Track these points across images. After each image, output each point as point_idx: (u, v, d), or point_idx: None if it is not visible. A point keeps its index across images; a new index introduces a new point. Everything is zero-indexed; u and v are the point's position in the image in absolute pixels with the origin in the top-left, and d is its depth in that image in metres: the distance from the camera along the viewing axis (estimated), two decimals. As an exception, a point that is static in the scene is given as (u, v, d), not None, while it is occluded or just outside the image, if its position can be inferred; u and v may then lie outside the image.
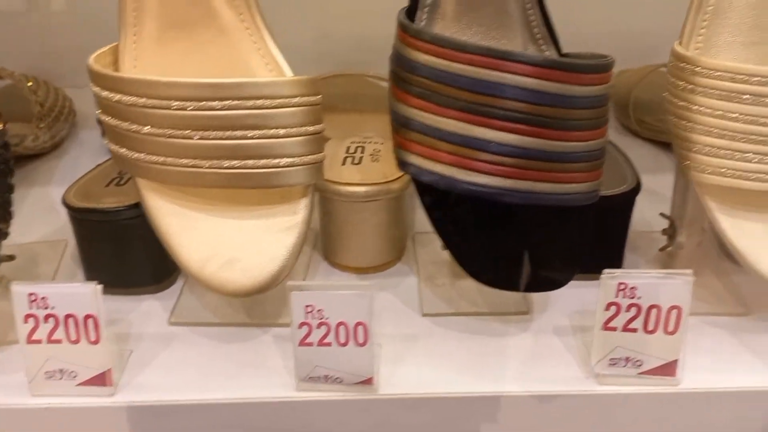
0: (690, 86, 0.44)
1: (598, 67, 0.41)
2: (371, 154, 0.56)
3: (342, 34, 0.82)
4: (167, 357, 0.48)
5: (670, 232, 0.53)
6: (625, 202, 0.52)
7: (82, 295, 0.42)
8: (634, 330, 0.44)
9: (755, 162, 0.43)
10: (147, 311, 0.52)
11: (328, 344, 0.42)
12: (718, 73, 0.43)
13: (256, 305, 0.51)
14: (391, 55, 0.44)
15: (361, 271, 0.55)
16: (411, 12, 0.44)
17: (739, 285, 0.53)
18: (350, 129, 0.62)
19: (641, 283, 0.43)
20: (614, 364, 0.45)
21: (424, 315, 0.51)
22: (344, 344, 0.42)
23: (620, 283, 0.43)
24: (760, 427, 0.47)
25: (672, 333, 0.44)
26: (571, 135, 0.41)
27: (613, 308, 0.44)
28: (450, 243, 0.45)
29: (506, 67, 0.39)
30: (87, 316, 0.42)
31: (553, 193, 0.42)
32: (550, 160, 0.42)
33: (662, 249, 0.53)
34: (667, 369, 0.45)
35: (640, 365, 0.45)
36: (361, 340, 0.42)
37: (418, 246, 0.57)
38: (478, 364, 0.47)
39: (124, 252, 0.52)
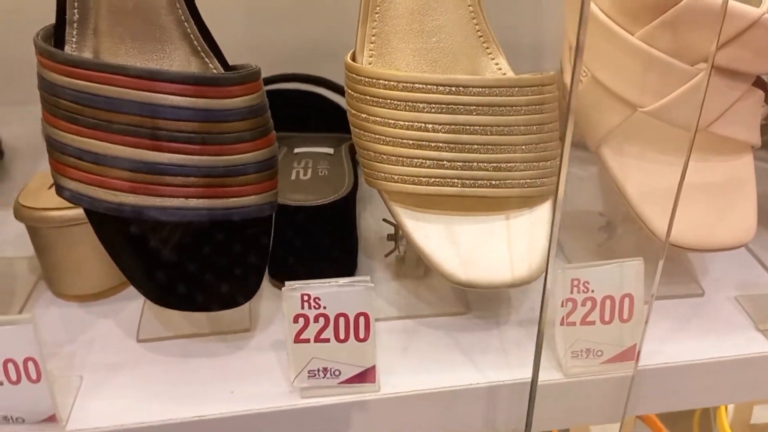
0: (356, 95, 0.44)
1: (242, 77, 0.40)
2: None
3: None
4: None
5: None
6: (341, 208, 0.52)
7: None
8: (327, 340, 0.44)
9: (427, 167, 0.44)
10: None
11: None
12: (378, 81, 0.43)
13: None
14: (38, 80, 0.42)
15: (83, 299, 0.53)
16: (60, 27, 0.42)
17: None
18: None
19: (324, 293, 0.43)
20: (313, 377, 0.45)
21: (140, 341, 0.49)
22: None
23: (303, 294, 0.43)
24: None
25: (363, 340, 0.44)
26: (233, 148, 0.40)
27: (302, 320, 0.43)
28: (123, 267, 0.43)
29: (143, 85, 0.38)
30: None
31: (225, 208, 0.42)
32: (212, 175, 0.41)
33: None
34: (365, 376, 0.45)
35: (338, 375, 0.45)
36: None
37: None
38: (184, 389, 0.46)
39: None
